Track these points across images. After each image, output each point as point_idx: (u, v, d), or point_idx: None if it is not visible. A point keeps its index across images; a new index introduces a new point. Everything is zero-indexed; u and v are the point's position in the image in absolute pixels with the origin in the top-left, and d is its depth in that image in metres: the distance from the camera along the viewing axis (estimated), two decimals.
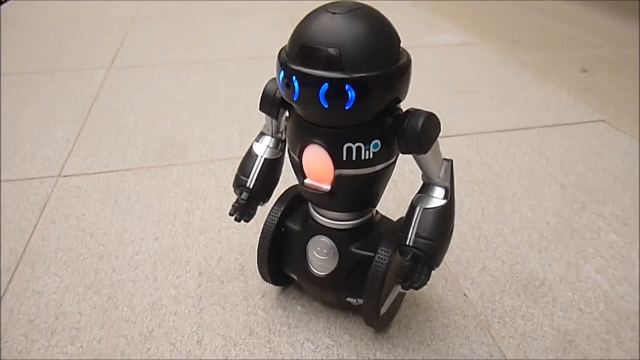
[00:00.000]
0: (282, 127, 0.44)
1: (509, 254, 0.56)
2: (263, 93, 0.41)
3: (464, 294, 0.51)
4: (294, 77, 0.33)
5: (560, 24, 1.45)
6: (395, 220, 0.46)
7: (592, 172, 0.71)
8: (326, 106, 0.33)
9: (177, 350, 0.46)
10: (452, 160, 0.40)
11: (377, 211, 0.45)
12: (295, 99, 0.34)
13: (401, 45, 0.36)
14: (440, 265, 0.53)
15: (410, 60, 0.35)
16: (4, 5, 1.69)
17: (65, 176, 0.72)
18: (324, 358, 0.44)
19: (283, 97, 0.37)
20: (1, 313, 0.50)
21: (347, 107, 0.33)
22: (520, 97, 0.96)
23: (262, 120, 0.44)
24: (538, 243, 0.58)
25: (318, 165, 0.38)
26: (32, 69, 1.14)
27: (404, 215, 0.40)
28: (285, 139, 0.44)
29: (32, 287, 0.53)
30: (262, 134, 0.46)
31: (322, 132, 0.36)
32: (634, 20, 1.46)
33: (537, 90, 0.99)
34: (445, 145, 0.81)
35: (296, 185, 0.47)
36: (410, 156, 0.38)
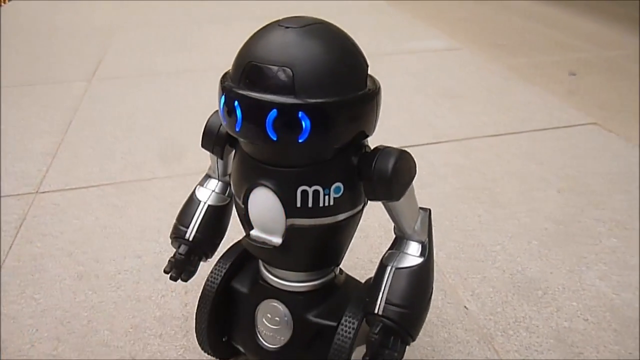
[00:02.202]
0: (229, 169, 0.37)
1: (508, 262, 0.54)
2: (205, 127, 0.35)
3: (465, 307, 0.49)
4: (236, 103, 0.27)
5: (543, 27, 1.46)
6: (364, 281, 0.39)
7: (587, 176, 0.70)
8: (274, 138, 0.27)
9: None
10: (429, 210, 0.35)
11: (340, 270, 0.39)
12: (237, 130, 0.28)
13: (369, 71, 0.30)
14: (437, 277, 0.52)
15: (380, 88, 0.30)
16: None
17: (43, 192, 0.69)
18: None
19: (225, 128, 0.30)
20: None
21: (300, 140, 0.27)
22: (508, 101, 0.94)
23: None
24: (538, 250, 0.56)
25: (266, 213, 0.31)
26: (8, 82, 1.10)
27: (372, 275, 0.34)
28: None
29: (6, 311, 0.49)
30: (207, 176, 0.39)
31: (271, 172, 0.30)
32: (616, 23, 1.47)
33: (524, 94, 0.98)
34: (434, 152, 0.80)
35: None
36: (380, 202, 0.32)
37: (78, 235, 0.60)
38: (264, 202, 0.31)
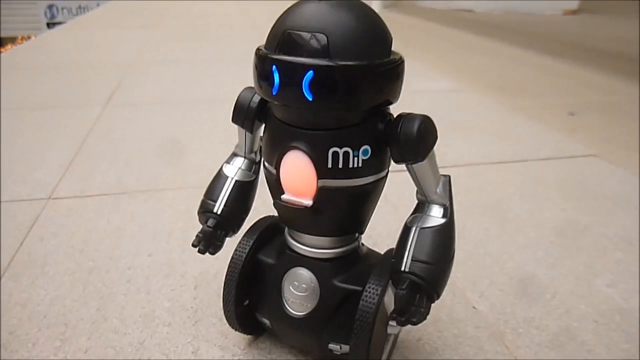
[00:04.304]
0: (256, 146, 0.39)
1: (516, 269, 0.54)
2: (236, 102, 0.36)
3: (473, 307, 0.49)
4: (273, 67, 0.29)
5: (544, 75, 1.51)
6: (383, 252, 0.39)
7: (590, 199, 0.71)
8: (310, 98, 0.29)
9: None
10: (449, 176, 0.36)
11: (362, 243, 0.40)
12: (274, 93, 0.30)
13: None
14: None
15: (404, 61, 0.32)
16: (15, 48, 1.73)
17: (56, 198, 0.70)
18: None
19: (260, 94, 0.33)
20: None
21: (334, 100, 0.29)
22: (513, 135, 0.97)
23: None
24: (545, 260, 0.56)
25: (298, 175, 0.33)
26: (32, 105, 1.14)
27: (394, 246, 0.35)
28: (259, 161, 0.39)
29: (15, 299, 0.50)
30: (233, 154, 0.40)
31: (304, 135, 0.32)
32: (614, 74, 1.53)
33: (527, 129, 1.01)
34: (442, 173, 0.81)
35: (270, 215, 0.42)
36: (408, 179, 0.34)
37: (90, 235, 0.61)
38: (296, 165, 0.33)
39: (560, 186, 0.75)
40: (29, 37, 2.02)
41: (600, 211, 0.68)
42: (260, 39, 0.33)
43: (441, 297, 0.48)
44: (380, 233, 0.60)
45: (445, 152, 0.87)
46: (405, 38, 2.07)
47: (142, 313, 0.48)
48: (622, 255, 0.57)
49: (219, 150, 0.87)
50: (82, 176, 0.77)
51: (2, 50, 1.79)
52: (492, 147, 0.91)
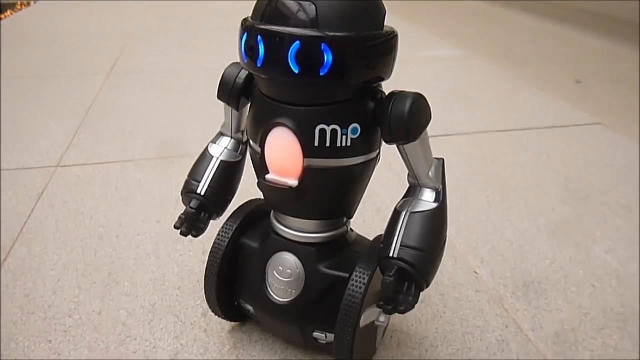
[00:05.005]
0: (243, 125, 0.38)
1: (516, 236, 0.56)
2: (222, 78, 0.35)
3: (475, 272, 0.50)
4: (259, 38, 0.28)
5: (551, 42, 1.49)
6: (372, 239, 0.37)
7: (593, 167, 0.72)
8: (296, 71, 0.27)
9: (181, 321, 0.44)
10: (443, 159, 0.34)
11: (351, 228, 0.38)
12: (258, 65, 0.28)
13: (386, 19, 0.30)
14: (448, 245, 0.53)
15: (397, 35, 0.30)
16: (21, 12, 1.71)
17: (64, 166, 0.71)
18: None
19: (244, 67, 0.31)
20: None
21: (321, 74, 0.27)
22: (517, 103, 0.97)
23: None
24: (545, 227, 0.57)
25: (283, 154, 0.31)
26: (35, 73, 1.14)
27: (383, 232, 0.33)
28: (247, 141, 0.37)
29: (29, 264, 0.51)
30: (220, 134, 0.39)
31: (289, 111, 0.30)
32: (620, 41, 1.51)
33: (533, 97, 1.00)
34: (445, 142, 0.82)
35: (257, 198, 0.40)
36: None
37: (99, 202, 0.62)
38: (281, 142, 0.31)
39: (563, 154, 0.75)
40: (28, 4, 1.99)
41: (603, 179, 0.68)
42: None
43: (443, 262, 0.50)
44: (384, 200, 0.61)
45: (447, 121, 0.87)
46: (410, 5, 2.03)
47: (152, 277, 0.49)
48: (621, 222, 0.58)
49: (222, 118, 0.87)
50: (89, 144, 0.78)
51: (1, 16, 1.77)
52: (495, 115, 0.90)
